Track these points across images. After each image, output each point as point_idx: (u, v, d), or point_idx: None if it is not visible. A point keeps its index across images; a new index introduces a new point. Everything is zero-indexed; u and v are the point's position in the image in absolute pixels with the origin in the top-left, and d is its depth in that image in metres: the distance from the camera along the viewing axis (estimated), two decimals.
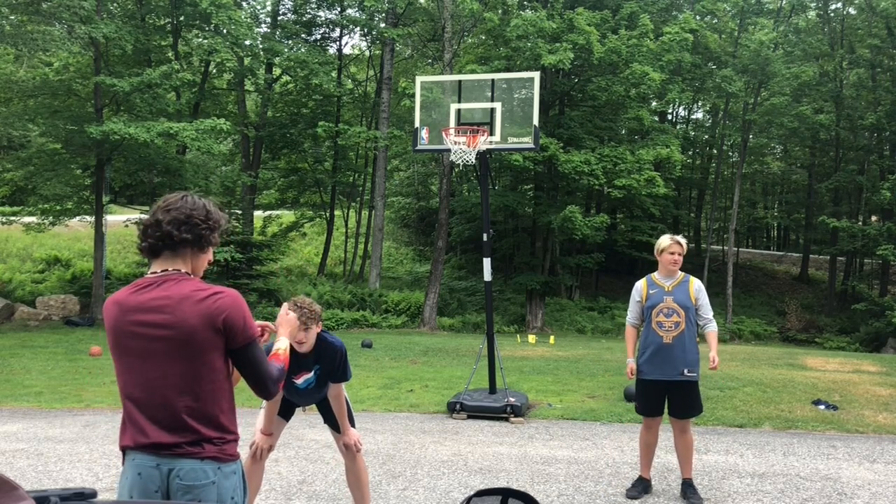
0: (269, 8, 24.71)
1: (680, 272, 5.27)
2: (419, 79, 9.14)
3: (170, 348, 2.30)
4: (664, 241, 5.22)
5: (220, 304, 2.32)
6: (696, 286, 5.22)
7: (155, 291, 2.34)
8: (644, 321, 5.27)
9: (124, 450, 2.40)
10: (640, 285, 5.31)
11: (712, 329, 5.19)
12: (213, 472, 2.33)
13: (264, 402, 4.22)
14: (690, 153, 32.74)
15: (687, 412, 5.20)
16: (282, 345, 2.63)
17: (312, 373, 4.10)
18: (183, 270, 2.40)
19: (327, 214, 26.51)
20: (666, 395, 5.21)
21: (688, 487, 5.23)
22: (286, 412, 4.44)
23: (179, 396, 2.32)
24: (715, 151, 32.33)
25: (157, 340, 2.31)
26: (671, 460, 6.22)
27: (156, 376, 2.33)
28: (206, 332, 2.30)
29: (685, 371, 5.08)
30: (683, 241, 5.24)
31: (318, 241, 29.11)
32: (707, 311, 5.20)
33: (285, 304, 4.00)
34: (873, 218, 29.72)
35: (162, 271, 2.38)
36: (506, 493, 2.47)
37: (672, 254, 5.16)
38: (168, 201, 2.42)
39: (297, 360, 4.06)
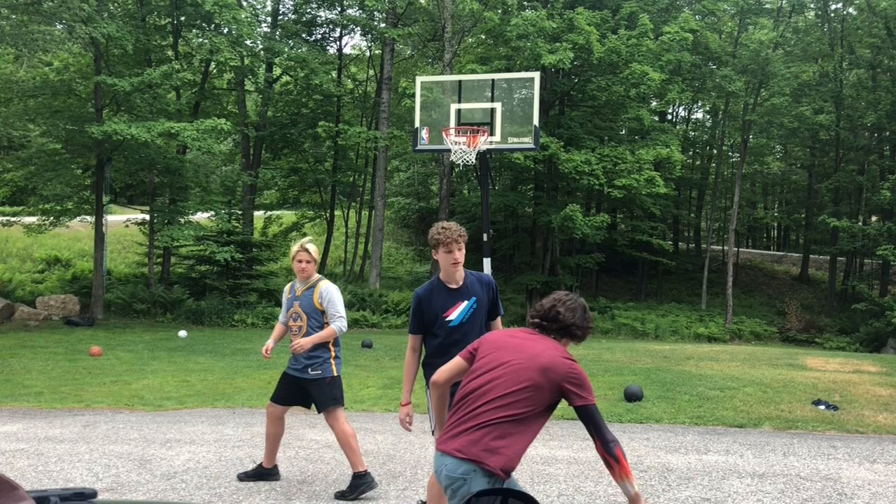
0: (269, 8, 24.73)
1: (316, 275, 5.36)
2: (419, 79, 9.17)
3: (512, 377, 2.83)
4: (293, 248, 5.32)
5: (563, 371, 2.83)
6: (322, 291, 5.24)
7: (528, 336, 3.00)
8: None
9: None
10: (286, 289, 5.49)
11: (332, 325, 5.22)
12: (469, 473, 2.75)
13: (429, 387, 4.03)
14: (690, 153, 32.75)
15: (321, 406, 5.29)
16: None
17: (467, 301, 4.01)
18: (553, 338, 3.02)
19: (327, 214, 26.51)
20: (301, 390, 5.32)
21: (352, 479, 5.24)
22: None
23: (488, 415, 2.80)
24: (715, 151, 32.34)
25: (508, 367, 2.87)
26: (671, 460, 6.23)
27: (486, 389, 2.85)
28: (543, 386, 2.81)
29: (309, 370, 5.22)
30: (312, 247, 5.27)
31: (318, 241, 28.91)
32: (333, 313, 5.24)
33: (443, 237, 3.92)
34: (873, 218, 29.72)
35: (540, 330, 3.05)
36: (506, 493, 2.47)
37: (300, 261, 5.23)
38: (565, 302, 3.06)
39: (450, 294, 4.01)
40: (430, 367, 4.02)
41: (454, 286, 4.01)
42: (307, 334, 5.21)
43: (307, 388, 5.30)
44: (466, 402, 2.90)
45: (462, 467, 2.74)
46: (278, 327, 5.61)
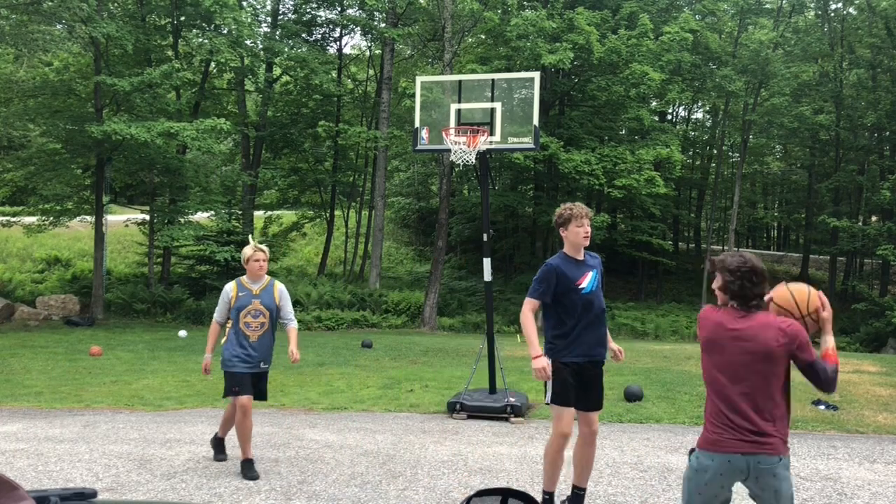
0: (268, 7, 24.72)
1: (266, 276, 5.73)
2: (419, 79, 9.14)
3: (751, 361, 3.10)
4: (247, 251, 5.63)
5: (788, 332, 3.09)
6: (280, 290, 5.73)
7: (744, 322, 3.17)
8: (231, 320, 5.67)
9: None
10: (230, 288, 5.70)
11: (293, 326, 5.83)
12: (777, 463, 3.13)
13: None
14: (690, 153, 32.75)
15: (265, 396, 5.82)
16: (831, 343, 3.21)
17: (592, 272, 4.42)
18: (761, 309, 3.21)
19: (327, 214, 26.51)
20: (254, 383, 5.67)
21: (246, 464, 5.61)
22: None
23: (753, 401, 3.12)
24: (715, 151, 32.34)
25: (744, 354, 3.11)
26: (671, 460, 6.23)
27: (739, 381, 3.13)
28: (778, 351, 3.08)
29: (262, 364, 5.67)
30: (265, 248, 5.69)
31: (318, 241, 29.12)
32: (288, 312, 5.78)
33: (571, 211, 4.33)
34: (873, 218, 29.72)
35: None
36: (506, 493, 2.47)
37: (257, 261, 5.61)
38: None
39: (578, 266, 4.40)
40: (570, 335, 4.45)
41: (580, 258, 4.45)
42: (269, 330, 5.64)
43: (258, 380, 5.70)
44: (729, 400, 3.21)
45: (772, 458, 3.15)
46: (215, 330, 5.82)
